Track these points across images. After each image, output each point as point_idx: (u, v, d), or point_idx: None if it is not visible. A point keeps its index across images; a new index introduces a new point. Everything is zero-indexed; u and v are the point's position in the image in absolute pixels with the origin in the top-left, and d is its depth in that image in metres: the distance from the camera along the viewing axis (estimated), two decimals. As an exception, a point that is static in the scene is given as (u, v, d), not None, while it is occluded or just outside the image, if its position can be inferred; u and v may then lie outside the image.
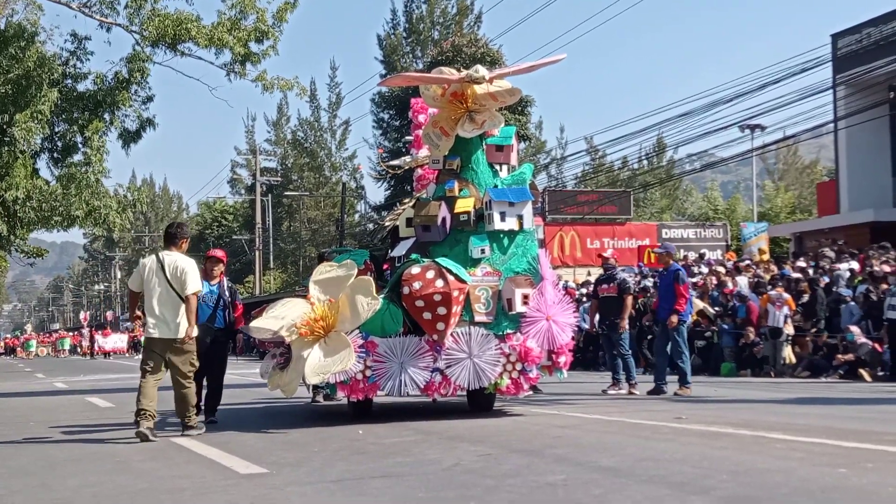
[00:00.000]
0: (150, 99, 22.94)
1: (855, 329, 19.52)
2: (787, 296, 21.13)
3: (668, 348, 15.65)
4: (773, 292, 21.33)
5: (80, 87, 22.70)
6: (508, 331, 11.25)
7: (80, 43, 22.73)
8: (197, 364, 10.93)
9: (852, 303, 20.53)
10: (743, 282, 24.07)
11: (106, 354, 61.13)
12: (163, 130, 23.63)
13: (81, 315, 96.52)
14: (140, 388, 10.56)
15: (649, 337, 22.60)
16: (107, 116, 22.29)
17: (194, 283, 10.71)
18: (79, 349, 72.02)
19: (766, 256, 28.61)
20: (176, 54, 22.14)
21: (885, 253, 22.99)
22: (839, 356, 19.55)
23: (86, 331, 70.46)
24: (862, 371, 18.81)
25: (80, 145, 22.49)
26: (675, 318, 15.19)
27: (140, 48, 22.08)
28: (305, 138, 71.48)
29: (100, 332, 69.30)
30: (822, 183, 47.68)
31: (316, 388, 14.68)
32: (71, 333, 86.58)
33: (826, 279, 22.49)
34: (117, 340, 65.69)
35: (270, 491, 6.86)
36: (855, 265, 23.41)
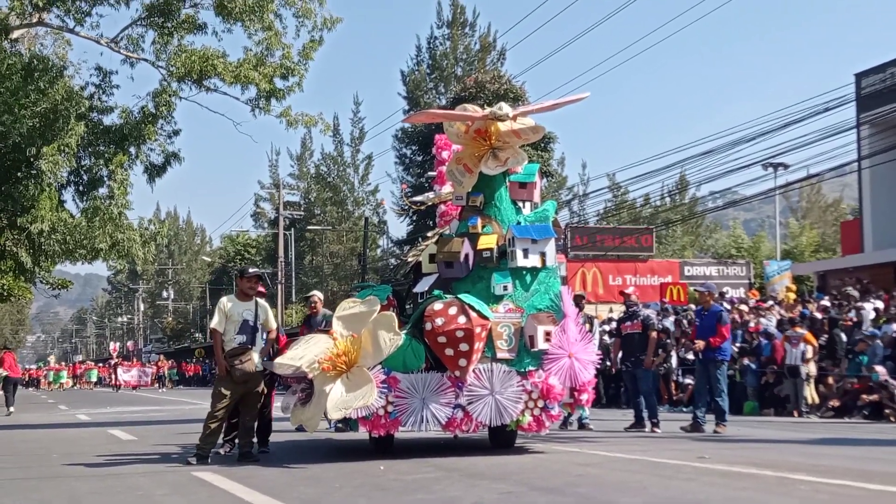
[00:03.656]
0: (175, 133, 23.14)
1: (880, 369, 19.37)
2: (802, 332, 20.95)
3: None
4: (790, 331, 21.20)
5: (107, 120, 22.90)
6: (530, 368, 11.23)
7: (106, 77, 22.94)
8: (219, 395, 11.46)
9: (878, 342, 20.38)
10: (771, 319, 23.89)
11: (135, 388, 60.71)
12: (187, 164, 23.82)
13: (111, 346, 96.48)
14: None
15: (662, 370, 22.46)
16: (132, 150, 22.45)
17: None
18: (106, 380, 71.72)
19: (793, 295, 28.41)
20: (201, 90, 22.33)
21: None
22: (864, 396, 19.39)
23: (114, 362, 70.12)
24: (887, 411, 18.66)
25: (105, 178, 22.63)
26: (701, 343, 15.26)
27: (166, 83, 22.27)
28: (328, 173, 71.69)
29: (126, 363, 69.06)
30: (847, 222, 47.48)
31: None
32: (99, 365, 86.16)
33: (853, 317, 22.33)
34: (141, 374, 65.30)
35: (292, 527, 6.84)
36: (880, 304, 23.26)
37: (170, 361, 72.69)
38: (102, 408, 30.80)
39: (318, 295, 16.01)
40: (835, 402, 20.09)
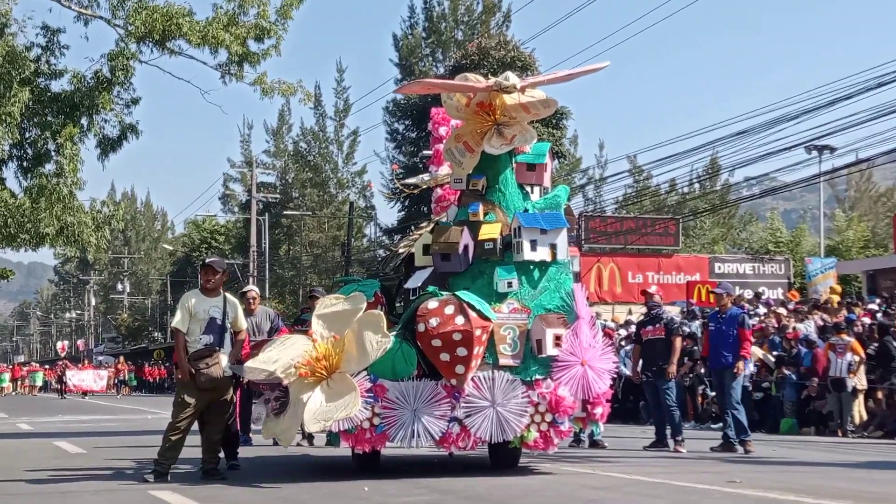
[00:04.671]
0: (134, 102, 22.98)
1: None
2: (849, 339, 20.90)
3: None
4: (834, 338, 21.16)
5: (55, 86, 22.77)
6: (538, 376, 11.22)
7: (53, 36, 22.82)
8: (181, 404, 11.40)
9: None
10: (810, 325, 23.84)
11: (84, 394, 60.40)
12: (147, 138, 23.65)
13: (59, 345, 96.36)
14: None
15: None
16: (84, 121, 22.35)
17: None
18: (53, 385, 71.32)
19: (838, 298, 28.39)
20: (164, 52, 22.24)
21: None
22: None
23: (61, 363, 69.74)
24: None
25: (52, 153, 22.53)
26: (741, 365, 15.44)
27: (124, 44, 22.18)
28: (308, 150, 71.59)
29: (76, 366, 68.77)
30: (901, 214, 47.54)
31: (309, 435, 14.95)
32: (45, 367, 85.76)
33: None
34: (96, 378, 64.85)
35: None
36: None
37: (129, 364, 72.62)
38: (47, 416, 30.81)
39: (255, 290, 16.42)
40: (877, 432, 20.05)
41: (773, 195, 53.43)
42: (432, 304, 10.90)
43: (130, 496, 10.09)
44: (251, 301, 16.12)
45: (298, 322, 16.25)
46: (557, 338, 11.20)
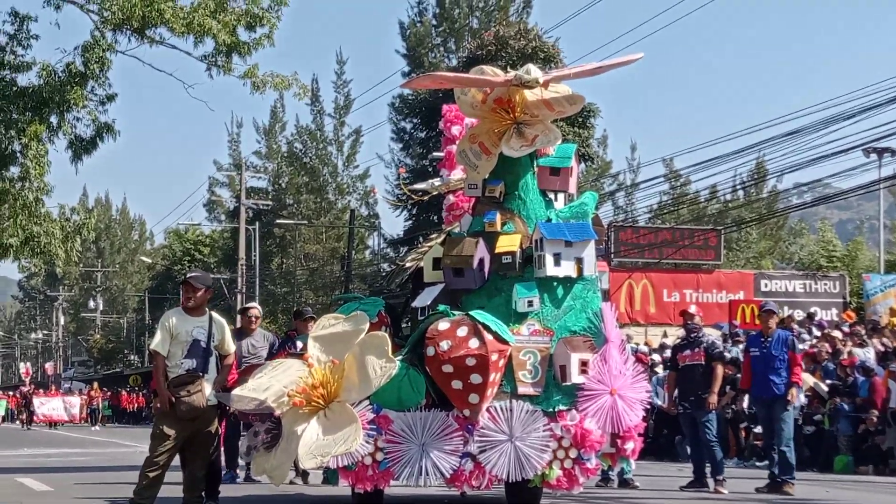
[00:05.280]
0: (110, 99, 23.01)
1: None
2: (911, 367, 20.91)
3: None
4: (895, 365, 21.12)
5: (22, 80, 22.81)
6: (561, 407, 11.19)
7: (23, 24, 22.87)
8: (160, 436, 11.33)
9: None
10: (868, 350, 23.77)
11: (52, 424, 60.27)
12: (124, 138, 23.69)
13: (22, 369, 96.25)
14: None
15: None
16: (53, 119, 22.38)
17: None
18: (17, 415, 71.24)
19: (896, 320, 28.39)
20: (144, 42, 22.28)
21: None
22: None
23: (26, 390, 69.63)
24: None
25: (17, 154, 22.55)
26: (795, 392, 15.52)
27: (99, 33, 22.23)
28: (304, 151, 71.69)
29: (41, 391, 68.64)
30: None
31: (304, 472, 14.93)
32: (9, 394, 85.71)
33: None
34: (67, 405, 64.72)
35: None
36: None
37: (103, 391, 72.67)
38: (10, 449, 30.86)
39: (257, 309, 16.46)
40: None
41: (827, 204, 53.43)
42: (443, 325, 10.88)
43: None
44: (252, 319, 16.15)
45: (286, 345, 16.10)
46: (583, 364, 11.15)
